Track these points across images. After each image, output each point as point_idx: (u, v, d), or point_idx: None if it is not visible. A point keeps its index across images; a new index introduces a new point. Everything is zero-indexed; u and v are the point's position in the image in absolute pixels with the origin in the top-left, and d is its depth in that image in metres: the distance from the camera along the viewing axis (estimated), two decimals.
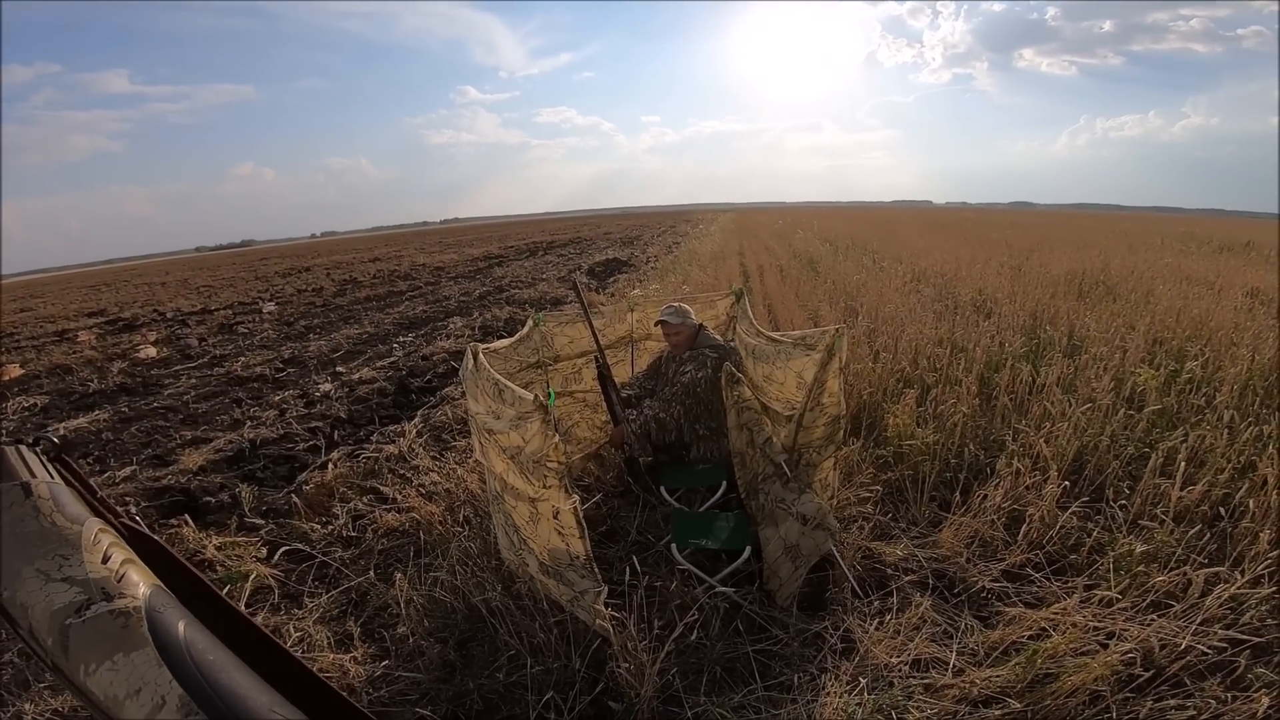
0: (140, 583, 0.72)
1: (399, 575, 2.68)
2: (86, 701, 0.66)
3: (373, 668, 2.32)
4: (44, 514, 0.73)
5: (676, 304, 3.40)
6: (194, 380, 7.33)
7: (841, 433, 2.61)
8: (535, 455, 1.95)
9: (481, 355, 2.45)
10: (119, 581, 0.71)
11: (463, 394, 5.40)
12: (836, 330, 2.40)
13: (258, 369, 7.42)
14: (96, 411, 6.43)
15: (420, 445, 4.39)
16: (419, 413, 5.22)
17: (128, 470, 4.62)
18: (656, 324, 3.41)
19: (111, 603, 0.68)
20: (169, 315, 14.18)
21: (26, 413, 6.78)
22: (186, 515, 3.60)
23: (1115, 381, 4.04)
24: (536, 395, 1.91)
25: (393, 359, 7.32)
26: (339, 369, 7.08)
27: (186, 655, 0.67)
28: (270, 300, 14.27)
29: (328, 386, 6.29)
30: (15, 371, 8.70)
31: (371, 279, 17.43)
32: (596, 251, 20.67)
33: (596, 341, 3.15)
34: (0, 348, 11.95)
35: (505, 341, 3.17)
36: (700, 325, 3.40)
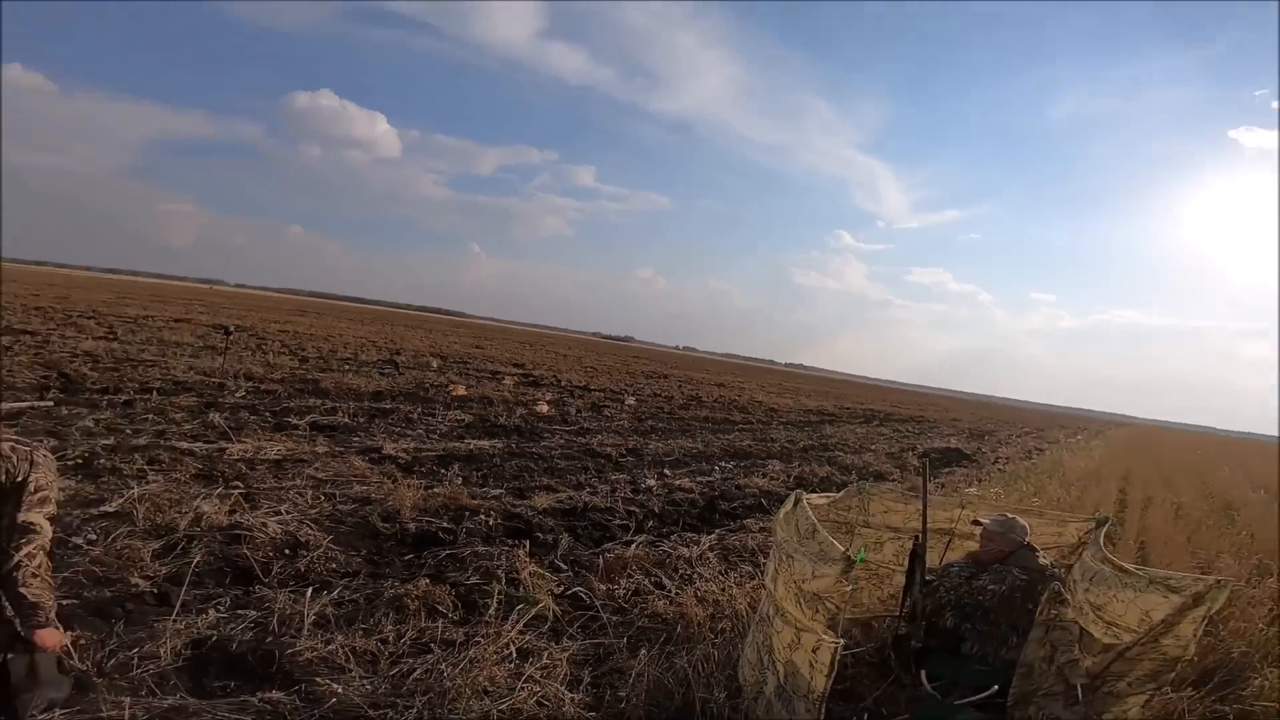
0: None
1: (644, 650, 3.02)
2: None
3: (583, 712, 2.68)
4: None
5: (1010, 516, 3.26)
6: (562, 441, 9.07)
7: (1173, 675, 2.28)
8: (820, 592, 2.17)
9: (804, 501, 2.76)
10: None
11: (761, 528, 5.72)
12: (1218, 582, 2.19)
13: (608, 449, 8.81)
14: (497, 440, 8.44)
15: (712, 556, 4.77)
16: (717, 530, 5.65)
17: (496, 492, 5.95)
18: (973, 523, 3.30)
19: None
20: (562, 383, 17.70)
21: (456, 423, 9.20)
22: (526, 541, 4.52)
23: None
24: (846, 549, 2.15)
25: (710, 478, 8.00)
26: (666, 472, 8.03)
27: None
28: (632, 395, 16.74)
29: (652, 483, 7.19)
30: (461, 390, 11.94)
31: (713, 402, 19.15)
32: (937, 436, 19.30)
33: (924, 522, 3.18)
34: (459, 371, 16.45)
35: (823, 497, 3.42)
36: (1025, 544, 3.19)
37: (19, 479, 2.19)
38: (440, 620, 3.26)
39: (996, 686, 2.73)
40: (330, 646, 2.85)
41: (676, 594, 3.91)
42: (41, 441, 2.31)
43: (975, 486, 9.54)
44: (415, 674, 2.76)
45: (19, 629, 2.19)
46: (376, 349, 20.30)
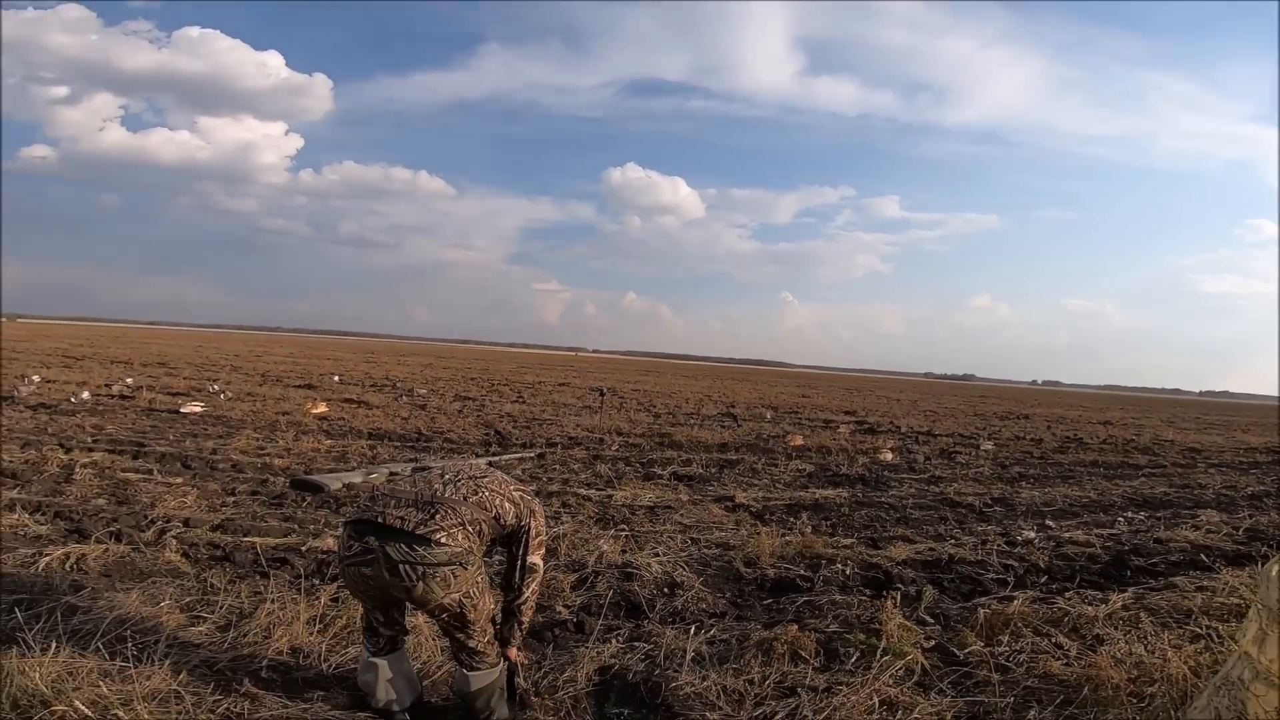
0: None
1: (1033, 711, 2.76)
2: None
3: None
4: None
5: None
6: (913, 490, 8.47)
7: None
8: None
9: None
10: None
11: (1200, 588, 4.57)
12: None
13: (969, 498, 7.95)
14: (841, 489, 8.28)
15: (1131, 615, 3.96)
16: (1131, 590, 4.63)
17: (848, 541, 5.81)
18: None
19: None
20: (902, 429, 16.60)
21: (798, 473, 9.30)
22: (894, 593, 4.30)
23: None
24: None
25: (1114, 531, 6.62)
26: (1048, 523, 6.89)
27: None
28: (988, 439, 14.81)
29: (1031, 534, 6.24)
30: (798, 440, 12.08)
31: (1100, 443, 15.82)
32: None
33: None
34: (792, 421, 16.69)
35: None
36: None
37: (524, 524, 2.71)
38: (803, 665, 3.28)
39: None
40: (706, 683, 3.04)
41: (1079, 655, 3.36)
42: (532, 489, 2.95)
43: None
44: (778, 716, 2.82)
45: (500, 645, 2.70)
46: (713, 403, 21.81)
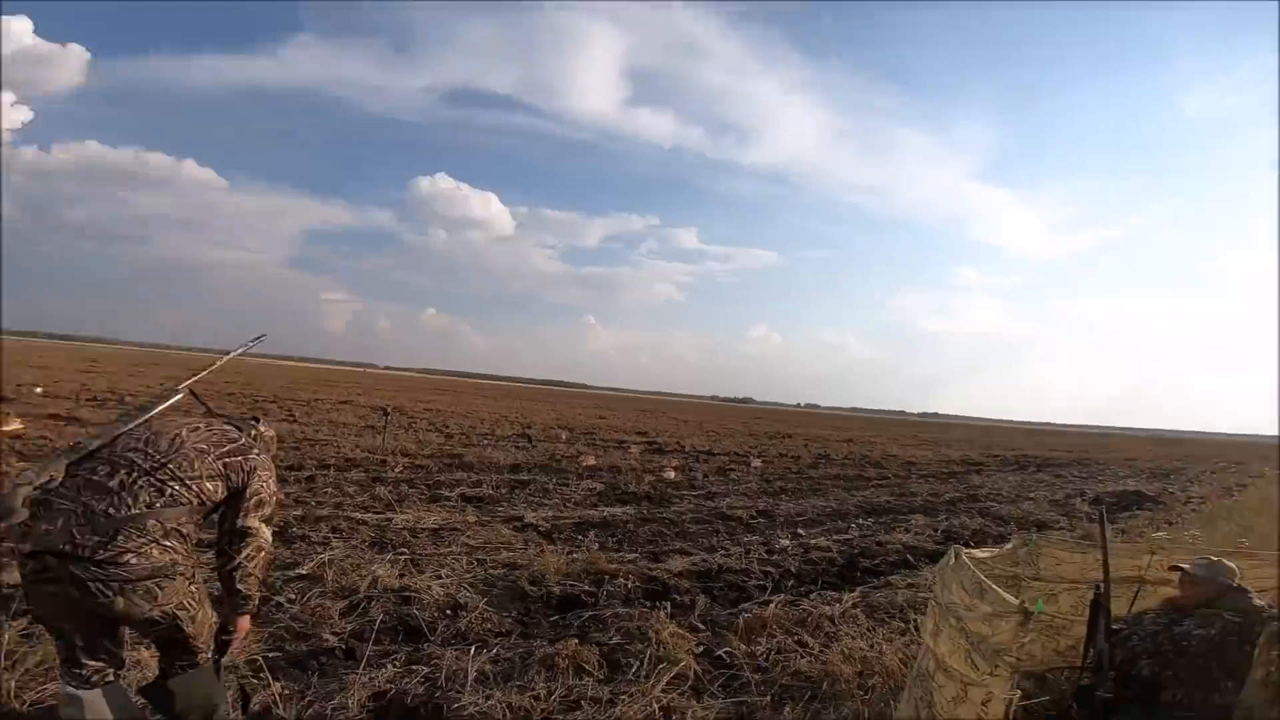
0: None
1: (789, 708, 3.09)
2: None
3: None
4: None
5: (1215, 559, 3.06)
6: (691, 506, 9.12)
7: None
8: (998, 647, 2.14)
9: (964, 555, 2.73)
10: None
11: (908, 584, 5.51)
12: None
13: (739, 511, 8.74)
14: (628, 507, 8.64)
15: (857, 613, 4.63)
16: (859, 588, 5.44)
17: (631, 556, 6.09)
18: (1172, 569, 3.12)
19: None
20: (686, 449, 17.79)
21: (589, 492, 9.51)
22: (666, 603, 4.59)
23: None
24: (1022, 600, 2.16)
25: (848, 536, 7.71)
26: (800, 531, 7.84)
27: None
28: (758, 457, 16.45)
29: (786, 543, 7.05)
30: (591, 460, 12.38)
31: (843, 459, 18.39)
32: (1110, 480, 17.34)
33: (1105, 568, 3.01)
34: (586, 441, 17.05)
35: (985, 551, 3.32)
36: (1235, 586, 2.96)
37: (240, 488, 2.35)
38: (587, 678, 3.39)
39: None
40: (490, 702, 3.02)
41: (820, 652, 3.84)
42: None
43: (1164, 530, 8.67)
44: None
45: (225, 618, 2.36)
46: (510, 424, 21.50)
